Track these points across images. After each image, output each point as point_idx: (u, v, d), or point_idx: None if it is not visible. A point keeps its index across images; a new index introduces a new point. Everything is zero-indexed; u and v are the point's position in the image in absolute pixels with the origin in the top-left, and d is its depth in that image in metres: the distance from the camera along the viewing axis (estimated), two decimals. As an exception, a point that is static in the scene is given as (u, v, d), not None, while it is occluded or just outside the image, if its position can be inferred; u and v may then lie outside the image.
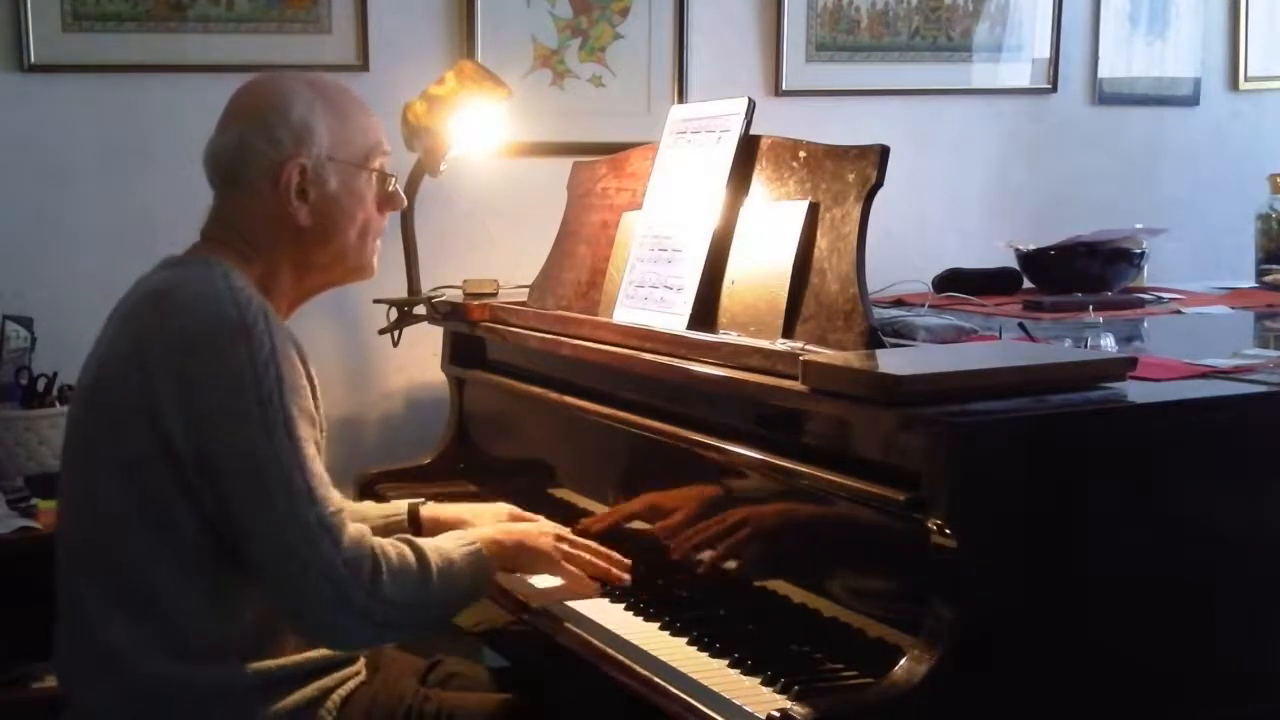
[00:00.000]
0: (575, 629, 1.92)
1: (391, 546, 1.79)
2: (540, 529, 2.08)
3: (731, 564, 1.93)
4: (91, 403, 1.83)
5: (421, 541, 1.85)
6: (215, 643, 1.77)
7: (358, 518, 1.86)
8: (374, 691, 1.93)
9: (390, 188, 1.98)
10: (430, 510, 2.21)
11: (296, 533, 1.70)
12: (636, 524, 2.16)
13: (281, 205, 1.87)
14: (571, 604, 1.98)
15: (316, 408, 1.85)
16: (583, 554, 2.04)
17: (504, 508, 2.21)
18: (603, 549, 2.06)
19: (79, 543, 1.82)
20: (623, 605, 1.97)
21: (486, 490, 2.66)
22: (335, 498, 1.76)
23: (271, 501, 1.70)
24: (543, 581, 2.06)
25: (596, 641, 1.87)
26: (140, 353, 1.75)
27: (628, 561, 2.05)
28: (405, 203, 2.05)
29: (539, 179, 3.07)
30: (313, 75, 1.97)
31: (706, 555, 1.97)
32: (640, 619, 1.92)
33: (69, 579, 1.84)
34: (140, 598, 1.75)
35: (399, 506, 2.22)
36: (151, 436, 1.72)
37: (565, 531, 2.09)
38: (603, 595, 2.01)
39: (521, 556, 2.01)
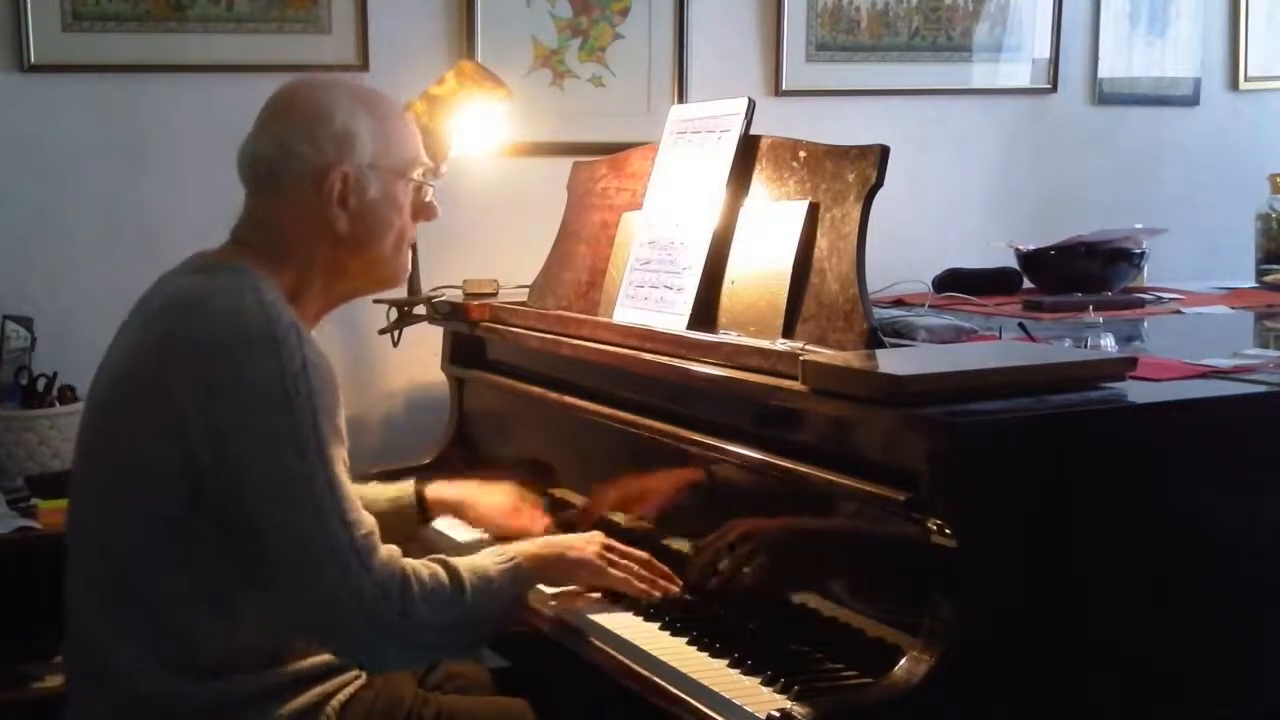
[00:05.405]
0: (576, 629, 1.92)
1: (424, 566, 1.76)
2: (584, 538, 2.02)
3: (731, 564, 1.93)
4: (108, 409, 1.78)
5: (457, 561, 1.82)
6: (218, 657, 1.74)
7: (365, 504, 1.80)
8: (374, 695, 1.91)
9: (427, 198, 1.96)
10: (435, 491, 2.23)
11: (327, 557, 1.67)
12: (636, 524, 2.16)
13: (321, 212, 1.84)
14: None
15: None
16: (630, 564, 1.99)
17: (508, 488, 2.23)
18: (648, 558, 2.01)
19: (87, 551, 1.80)
20: (622, 605, 1.96)
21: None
22: (366, 520, 1.72)
23: (300, 524, 1.67)
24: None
25: (597, 641, 1.87)
26: (164, 361, 1.71)
27: (676, 581, 1.99)
28: (439, 213, 2.01)
29: (539, 179, 3.07)
30: (352, 80, 1.94)
31: (706, 555, 1.97)
32: (640, 619, 1.92)
33: (74, 586, 1.81)
34: (145, 610, 1.73)
35: (405, 488, 2.22)
36: (174, 447, 1.68)
37: (610, 541, 2.02)
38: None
39: (563, 567, 1.97)
